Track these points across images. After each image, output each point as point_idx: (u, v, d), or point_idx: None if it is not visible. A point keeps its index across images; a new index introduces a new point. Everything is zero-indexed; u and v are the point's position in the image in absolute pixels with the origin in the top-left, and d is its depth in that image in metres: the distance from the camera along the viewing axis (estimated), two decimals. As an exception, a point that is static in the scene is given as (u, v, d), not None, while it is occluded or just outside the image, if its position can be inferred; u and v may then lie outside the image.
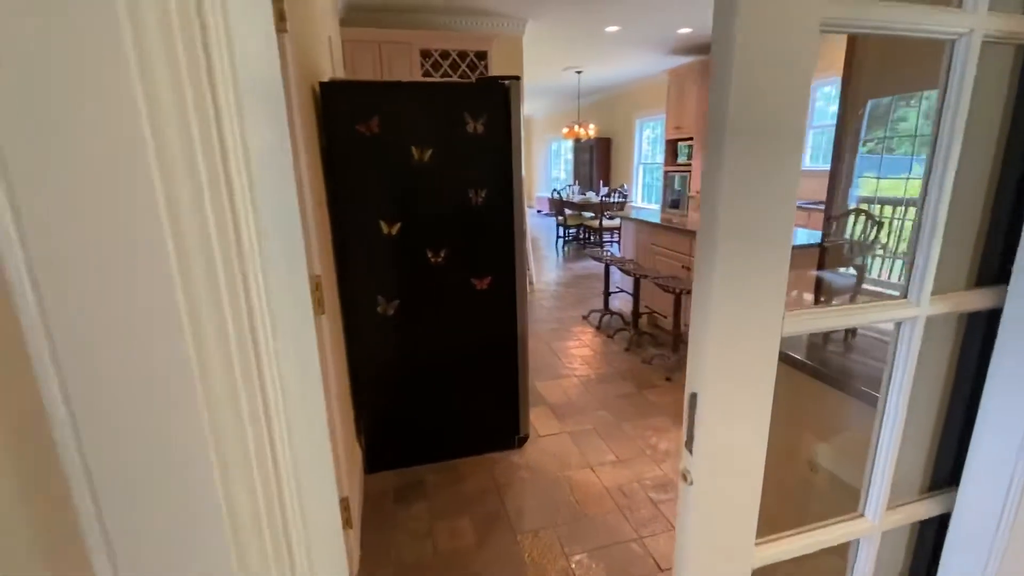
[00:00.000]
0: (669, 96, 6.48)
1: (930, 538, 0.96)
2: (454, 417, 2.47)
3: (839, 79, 1.78)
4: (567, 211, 8.58)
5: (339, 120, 2.02)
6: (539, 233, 9.97)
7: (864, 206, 3.85)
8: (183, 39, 0.33)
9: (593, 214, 8.15)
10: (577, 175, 10.84)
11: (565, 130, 8.50)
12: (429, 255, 2.24)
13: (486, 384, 2.48)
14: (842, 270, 3.19)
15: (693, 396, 0.66)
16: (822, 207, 2.41)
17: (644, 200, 9.04)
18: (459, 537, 2.03)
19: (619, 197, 7.92)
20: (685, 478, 0.69)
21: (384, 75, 4.25)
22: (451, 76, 4.53)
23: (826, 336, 1.48)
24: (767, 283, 0.63)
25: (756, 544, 0.76)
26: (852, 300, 3.06)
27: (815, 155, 5.31)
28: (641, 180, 9.10)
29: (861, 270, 3.44)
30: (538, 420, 2.90)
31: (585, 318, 4.74)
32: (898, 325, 0.75)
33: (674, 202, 6.67)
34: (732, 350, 0.64)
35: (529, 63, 5.56)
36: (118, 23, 0.31)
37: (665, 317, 4.08)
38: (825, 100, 5.18)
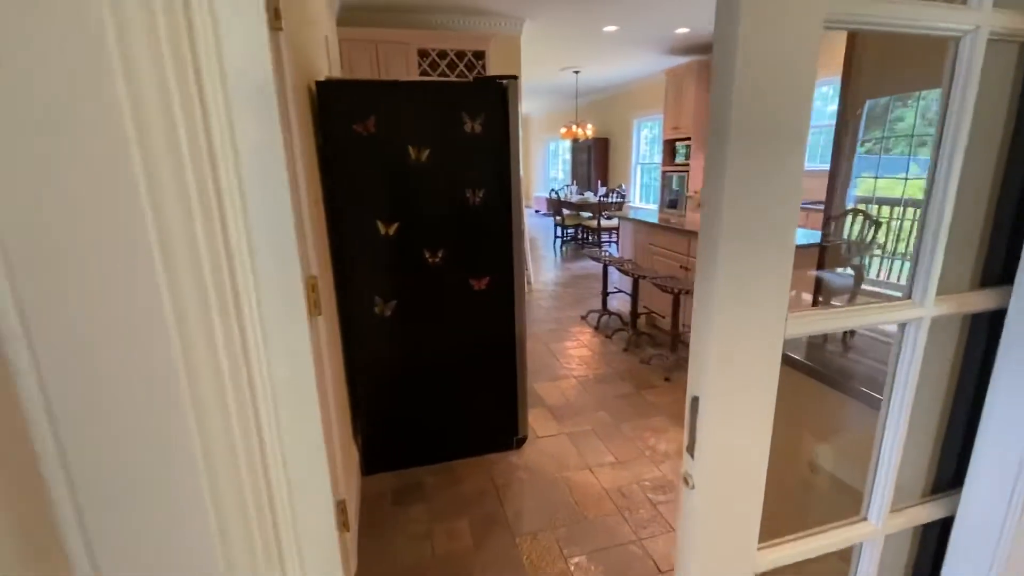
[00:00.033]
0: (667, 96, 6.48)
1: (932, 541, 0.95)
2: (452, 418, 2.46)
3: (837, 79, 1.77)
4: (565, 211, 8.57)
5: (336, 120, 2.00)
6: (537, 233, 9.96)
7: (862, 206, 3.85)
8: (168, 39, 0.32)
9: (591, 214, 8.15)
10: (575, 175, 10.84)
11: (563, 130, 8.49)
12: (427, 255, 2.23)
13: (484, 385, 2.47)
14: (840, 270, 3.18)
15: (695, 400, 0.65)
16: (820, 207, 2.41)
17: (642, 200, 9.04)
18: (457, 539, 2.02)
19: (617, 197, 7.91)
20: (687, 482, 0.68)
21: (381, 75, 4.24)
22: (448, 76, 4.52)
23: (825, 336, 1.47)
24: (770, 284, 0.61)
25: (758, 549, 0.75)
26: (851, 300, 3.07)
27: (812, 155, 5.31)
28: (639, 180, 9.10)
29: (859, 270, 3.45)
30: (536, 421, 2.89)
31: (583, 318, 4.73)
32: (902, 326, 0.74)
33: (672, 202, 6.67)
34: (734, 353, 0.63)
35: (527, 63, 5.55)
36: (102, 24, 0.29)
37: (663, 317, 4.07)
38: (823, 100, 5.19)
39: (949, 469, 0.91)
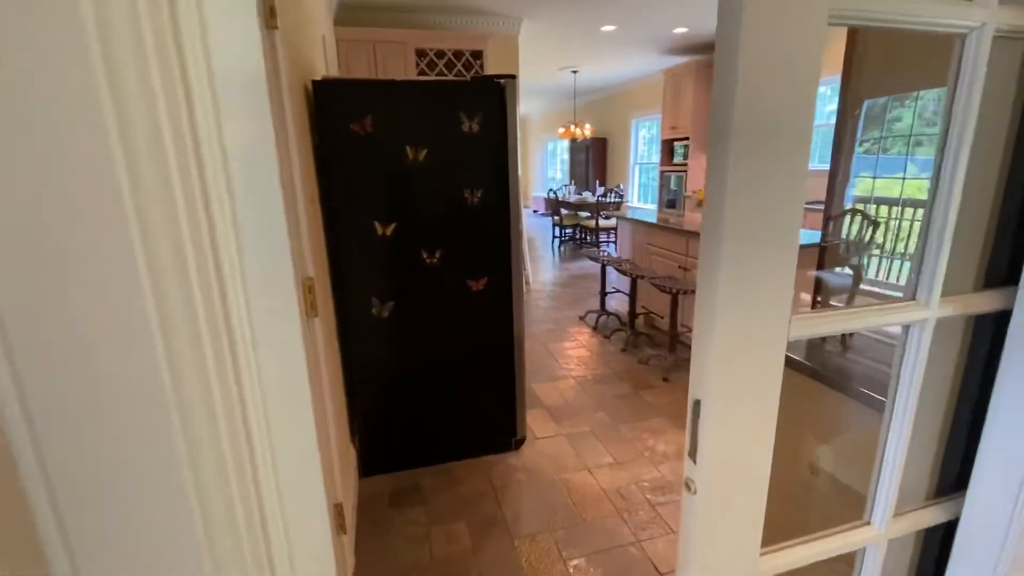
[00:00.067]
0: (665, 96, 6.48)
1: (935, 545, 0.94)
2: (450, 419, 2.44)
3: (836, 78, 1.77)
4: (563, 211, 8.56)
5: (332, 119, 1.99)
6: (535, 233, 9.95)
7: (860, 206, 3.85)
8: (153, 36, 0.31)
9: (589, 214, 8.14)
10: (573, 175, 10.83)
11: (561, 130, 8.49)
12: (424, 256, 2.21)
13: (482, 386, 2.45)
14: (838, 270, 3.18)
15: (697, 403, 0.63)
16: (819, 207, 2.41)
17: (640, 200, 9.03)
18: (456, 542, 2.00)
19: (615, 197, 7.91)
20: (689, 487, 0.67)
21: (379, 74, 4.22)
22: (446, 76, 4.50)
23: (824, 336, 1.47)
24: (773, 286, 0.60)
25: (761, 554, 0.74)
26: (850, 301, 3.06)
27: (811, 155, 5.31)
28: (637, 180, 9.09)
29: (857, 270, 3.44)
30: (535, 422, 2.88)
31: (582, 319, 4.72)
32: (906, 328, 0.73)
33: (670, 202, 6.67)
34: (737, 355, 0.62)
35: (525, 63, 5.54)
36: (82, 20, 0.28)
37: (662, 317, 4.06)
38: (821, 100, 5.20)
39: (952, 472, 0.90)
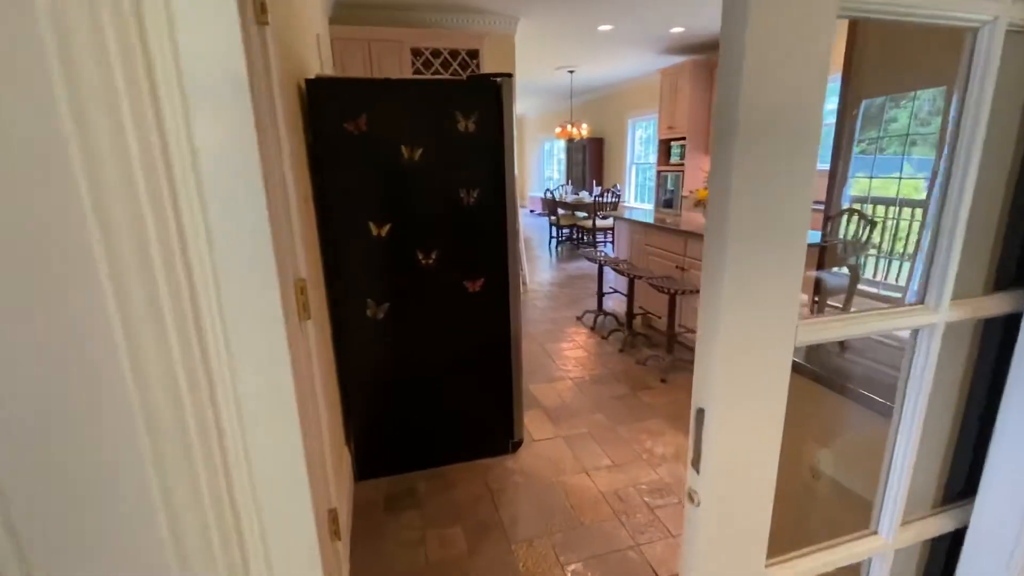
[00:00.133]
0: (662, 96, 6.46)
1: (942, 553, 0.92)
2: (446, 422, 2.42)
3: (836, 76, 1.75)
4: (560, 211, 8.54)
5: (326, 118, 1.96)
6: (532, 233, 9.93)
7: (857, 206, 3.85)
8: (114, 29, 0.28)
9: (586, 214, 8.12)
10: (570, 175, 10.81)
11: (558, 130, 8.46)
12: (420, 257, 2.18)
13: (479, 388, 2.43)
14: (836, 270, 3.17)
15: (700, 412, 0.61)
16: (818, 207, 2.39)
17: (637, 200, 9.02)
18: (452, 546, 1.98)
19: (612, 197, 7.89)
20: (692, 498, 0.64)
21: (374, 73, 4.19)
22: (442, 75, 4.47)
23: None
24: (780, 291, 0.58)
25: (766, 565, 0.72)
26: (847, 301, 3.06)
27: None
28: (634, 180, 9.08)
29: (855, 270, 3.44)
30: (532, 424, 2.85)
31: (579, 319, 4.70)
32: (915, 332, 0.71)
33: (667, 202, 6.65)
34: (742, 362, 0.59)
35: (521, 62, 5.51)
36: (33, 9, 0.26)
37: (659, 318, 4.04)
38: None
39: (960, 479, 0.88)
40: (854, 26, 1.74)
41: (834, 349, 1.49)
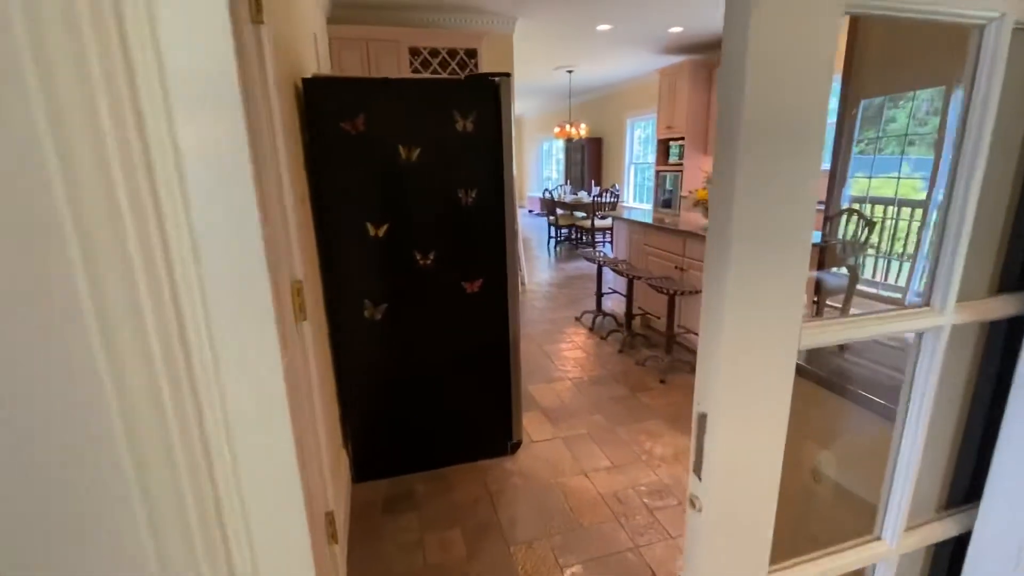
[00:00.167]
0: (660, 96, 6.45)
1: (945, 558, 0.91)
2: (445, 423, 2.40)
3: (835, 77, 1.74)
4: (559, 211, 8.53)
5: (323, 118, 1.94)
6: (531, 233, 9.92)
7: (856, 206, 3.85)
8: (92, 25, 0.27)
9: (585, 214, 8.11)
10: (569, 175, 10.80)
11: (556, 130, 8.45)
12: (418, 257, 2.17)
13: (478, 389, 2.41)
14: (835, 270, 3.17)
15: (702, 417, 0.60)
16: (819, 207, 2.38)
17: (636, 200, 9.01)
18: (450, 549, 1.96)
19: (611, 197, 7.88)
20: (693, 504, 0.63)
21: (372, 73, 4.17)
22: (440, 74, 4.46)
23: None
24: (784, 293, 0.57)
25: (769, 572, 0.71)
26: (846, 302, 3.05)
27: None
28: (633, 180, 9.07)
29: (854, 270, 3.43)
30: (531, 425, 2.84)
31: (578, 319, 4.69)
32: (919, 335, 0.70)
33: (666, 202, 6.65)
34: (745, 366, 0.58)
35: (520, 62, 5.50)
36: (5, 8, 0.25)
37: (658, 318, 4.03)
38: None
39: (964, 482, 0.86)
40: (854, 26, 1.73)
41: (833, 349, 1.48)
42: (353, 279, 2.12)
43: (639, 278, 3.66)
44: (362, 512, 2.17)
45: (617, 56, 6.39)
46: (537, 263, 7.43)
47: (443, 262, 2.20)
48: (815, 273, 2.20)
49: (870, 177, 3.73)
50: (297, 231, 1.52)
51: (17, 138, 0.26)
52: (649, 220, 4.29)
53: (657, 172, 6.80)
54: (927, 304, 0.69)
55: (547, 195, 8.66)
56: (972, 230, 0.67)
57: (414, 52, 4.34)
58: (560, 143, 11.29)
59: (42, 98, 0.26)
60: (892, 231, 3.56)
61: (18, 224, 0.26)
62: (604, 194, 7.93)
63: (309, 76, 1.98)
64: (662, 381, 3.34)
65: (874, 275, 3.68)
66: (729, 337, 0.57)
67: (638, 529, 2.05)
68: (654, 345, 3.95)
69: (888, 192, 3.58)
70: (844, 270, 3.15)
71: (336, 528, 1.71)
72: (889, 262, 3.52)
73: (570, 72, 7.35)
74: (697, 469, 0.62)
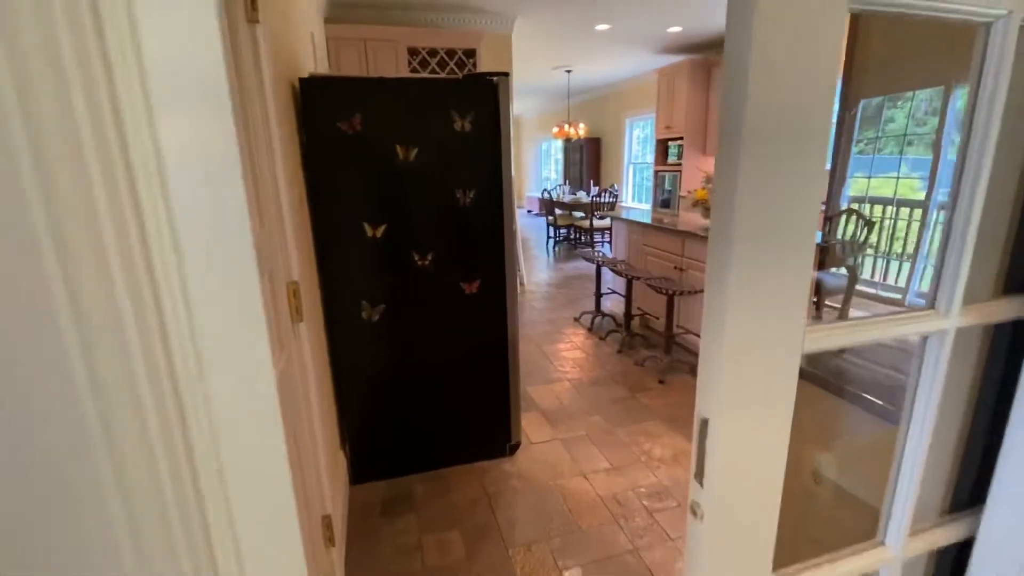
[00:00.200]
0: (659, 95, 6.45)
1: (948, 563, 0.90)
2: (443, 425, 2.39)
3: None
4: (557, 211, 8.52)
5: (320, 118, 1.93)
6: (529, 233, 9.91)
7: (855, 206, 3.84)
8: (67, 27, 0.26)
9: (584, 214, 8.10)
10: (567, 175, 10.79)
11: (555, 130, 8.44)
12: (415, 258, 2.16)
13: (476, 390, 2.40)
14: (834, 270, 3.15)
15: (704, 422, 0.59)
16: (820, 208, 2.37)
17: (634, 200, 9.01)
18: (449, 552, 1.95)
19: (609, 197, 7.87)
20: (695, 512, 0.62)
21: (370, 73, 4.16)
22: (439, 74, 4.44)
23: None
24: (787, 297, 0.56)
25: (771, 579, 0.70)
26: (846, 302, 3.04)
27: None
28: (631, 180, 9.07)
29: (853, 271, 3.42)
30: (530, 426, 2.83)
31: (577, 320, 4.68)
32: (924, 338, 0.69)
33: (664, 202, 6.64)
34: (748, 371, 0.57)
35: (518, 62, 5.49)
36: None
37: (657, 319, 4.02)
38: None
39: (967, 486, 0.85)
40: (854, 26, 1.72)
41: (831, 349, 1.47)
42: (351, 280, 2.10)
43: (638, 278, 3.65)
44: (360, 514, 2.15)
45: (616, 56, 6.38)
46: (536, 263, 7.42)
47: (441, 263, 2.19)
48: (815, 273, 2.19)
49: (869, 177, 3.73)
50: (294, 232, 1.50)
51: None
52: (648, 220, 4.28)
53: (656, 172, 6.79)
54: (932, 307, 0.68)
55: (546, 195, 8.65)
56: (978, 231, 0.66)
57: (412, 52, 4.32)
58: (559, 143, 11.28)
59: (14, 95, 0.25)
60: (891, 231, 3.56)
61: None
62: (603, 194, 7.92)
63: (306, 76, 1.97)
64: (661, 382, 3.33)
65: (873, 275, 3.68)
66: (731, 341, 0.56)
67: (637, 531, 2.04)
68: (653, 345, 3.94)
69: (887, 192, 3.57)
70: (843, 270, 3.14)
71: (333, 531, 1.69)
72: (888, 262, 3.51)
73: (569, 72, 7.34)
74: (699, 476, 0.61)
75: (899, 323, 0.67)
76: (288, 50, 1.88)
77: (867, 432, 1.53)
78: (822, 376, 1.31)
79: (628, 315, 4.03)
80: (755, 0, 0.48)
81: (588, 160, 9.85)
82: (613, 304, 4.70)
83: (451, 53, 4.44)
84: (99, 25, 0.28)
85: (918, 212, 3.36)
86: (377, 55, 4.18)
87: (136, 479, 0.31)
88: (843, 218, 3.58)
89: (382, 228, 2.08)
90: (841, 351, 1.48)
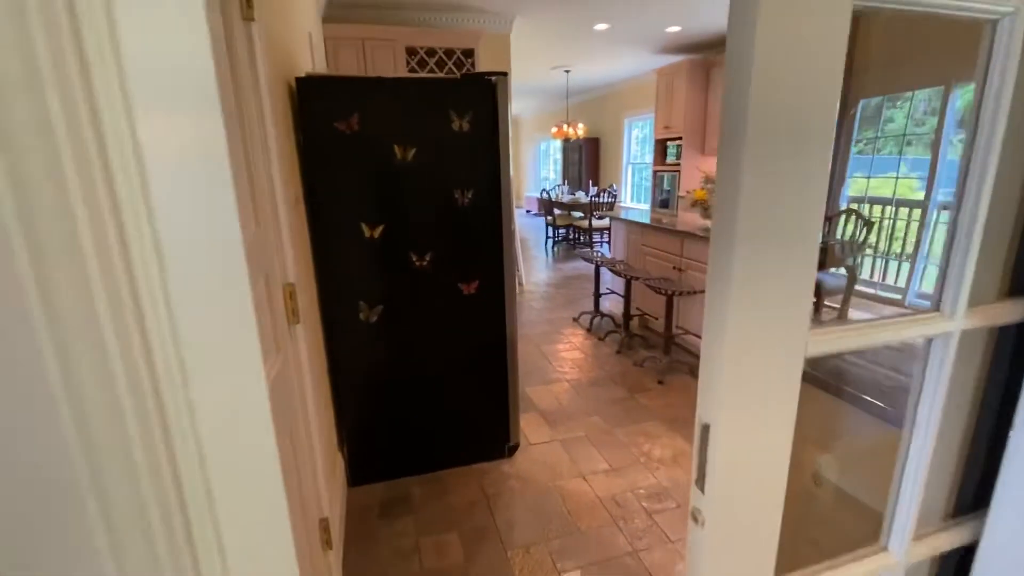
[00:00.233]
0: (658, 95, 6.43)
1: (951, 568, 0.89)
2: (442, 426, 2.38)
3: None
4: (556, 211, 8.51)
5: (317, 117, 1.92)
6: (528, 233, 9.89)
7: (854, 206, 3.84)
8: (42, 25, 0.25)
9: (582, 214, 8.09)
10: (566, 175, 10.78)
11: (554, 130, 8.43)
12: (413, 258, 2.14)
13: (475, 391, 2.39)
14: (833, 270, 3.15)
15: (705, 428, 0.57)
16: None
17: (633, 200, 9.00)
18: (447, 554, 1.94)
19: (608, 197, 7.86)
20: (696, 519, 0.61)
21: (368, 73, 4.14)
22: (437, 74, 4.43)
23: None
24: (790, 300, 0.54)
25: (773, 586, 0.68)
26: (844, 302, 3.03)
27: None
28: (630, 180, 9.06)
29: (852, 271, 3.42)
30: (528, 427, 2.82)
31: (575, 320, 4.67)
32: (928, 340, 0.68)
33: (663, 202, 6.63)
34: (750, 376, 0.56)
35: (517, 62, 5.48)
36: None
37: (656, 319, 4.02)
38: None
39: (971, 489, 0.84)
40: (853, 25, 1.71)
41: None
42: (348, 281, 2.09)
43: (637, 278, 3.64)
44: (358, 516, 2.14)
45: (614, 56, 6.37)
46: (535, 263, 7.41)
47: (439, 263, 2.18)
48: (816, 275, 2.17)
49: (868, 177, 3.72)
50: (290, 232, 1.49)
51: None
52: (647, 220, 4.27)
53: (655, 172, 6.78)
54: (937, 309, 0.67)
55: (544, 195, 8.64)
56: (983, 233, 0.65)
57: (411, 52, 4.30)
58: (557, 143, 11.27)
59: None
60: (890, 231, 3.56)
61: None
62: (602, 194, 7.91)
63: (303, 75, 1.95)
64: (660, 382, 3.32)
65: (872, 275, 3.67)
66: (733, 345, 0.55)
67: (636, 533, 2.03)
68: (652, 346, 3.93)
69: (886, 192, 3.57)
70: (842, 270, 3.14)
71: (331, 534, 1.68)
72: (887, 262, 3.51)
73: (567, 72, 7.33)
74: (700, 482, 0.60)
75: (904, 326, 0.65)
76: (285, 49, 1.86)
77: (867, 433, 1.52)
78: (820, 376, 1.30)
79: (627, 315, 4.02)
80: (757, 2, 0.46)
81: (587, 160, 9.84)
82: (612, 304, 4.69)
83: (449, 53, 4.42)
84: (75, 25, 0.27)
85: (917, 212, 3.36)
86: (375, 55, 4.16)
87: (116, 491, 0.30)
88: (842, 218, 3.58)
89: (380, 228, 2.07)
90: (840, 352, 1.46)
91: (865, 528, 0.93)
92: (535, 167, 13.58)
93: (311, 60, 2.83)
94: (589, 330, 4.38)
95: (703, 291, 3.37)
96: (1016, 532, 0.77)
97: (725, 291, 0.54)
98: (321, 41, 3.81)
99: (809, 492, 1.37)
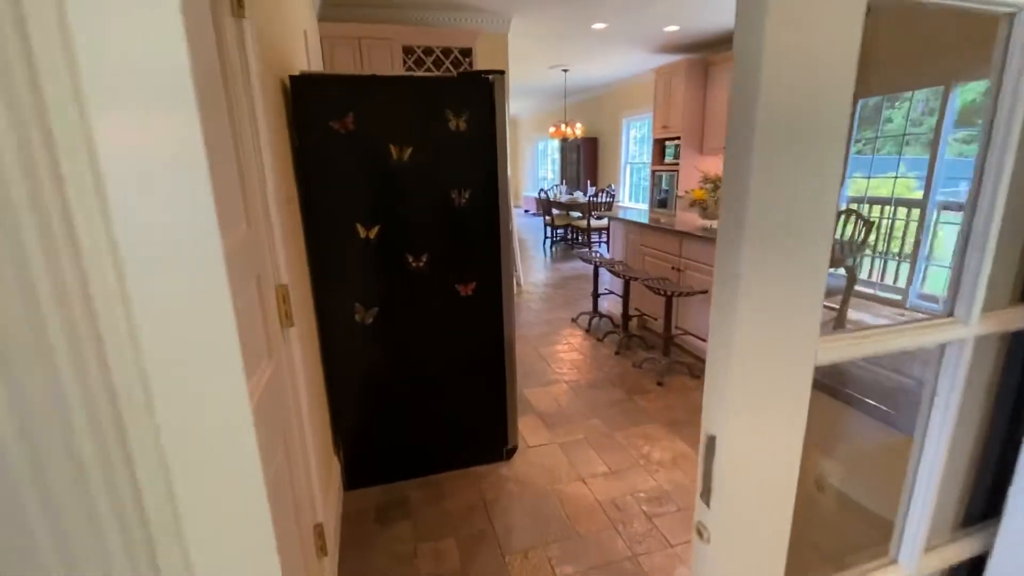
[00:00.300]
0: (656, 95, 6.42)
1: (962, 577, 0.86)
2: (439, 429, 2.35)
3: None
4: (554, 211, 8.48)
5: (311, 116, 1.89)
6: (526, 234, 9.87)
7: (854, 206, 3.82)
8: None
9: (581, 214, 8.07)
10: (564, 175, 10.76)
11: (552, 129, 8.40)
12: (410, 260, 2.11)
13: (472, 393, 2.36)
14: (832, 271, 3.13)
15: (711, 439, 0.55)
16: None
17: (632, 200, 8.98)
18: (444, 560, 1.91)
19: (607, 197, 7.84)
20: (701, 534, 0.58)
21: (365, 72, 4.11)
22: (434, 73, 4.40)
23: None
24: (800, 306, 0.52)
25: (780, 601, 0.66)
26: (844, 303, 3.01)
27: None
28: (628, 179, 9.04)
29: (852, 271, 3.40)
30: (527, 430, 2.79)
31: (574, 320, 4.64)
32: (941, 347, 0.65)
33: (662, 202, 6.61)
34: (758, 385, 0.53)
35: (515, 61, 5.45)
36: None
37: (655, 319, 3.99)
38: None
39: (982, 497, 0.82)
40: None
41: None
42: (343, 282, 2.06)
43: (636, 279, 3.61)
44: (354, 521, 2.11)
45: (612, 55, 6.35)
46: (533, 264, 7.38)
47: (436, 264, 2.15)
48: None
49: (868, 177, 3.71)
50: (283, 233, 1.46)
51: None
52: (645, 220, 4.25)
53: (653, 172, 6.77)
54: (950, 314, 0.64)
55: (543, 195, 8.61)
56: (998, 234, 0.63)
57: (408, 51, 4.28)
58: (555, 143, 11.25)
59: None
60: (889, 231, 3.54)
61: None
62: (600, 194, 7.89)
63: (297, 73, 1.92)
64: (659, 384, 3.30)
65: (871, 275, 3.66)
66: (741, 352, 0.52)
67: (636, 537, 2.01)
68: (651, 347, 3.91)
69: (885, 192, 3.56)
70: (842, 271, 3.12)
71: (326, 540, 1.65)
72: (886, 262, 3.49)
73: (565, 71, 7.31)
74: (705, 496, 0.57)
75: (916, 332, 0.63)
76: (278, 47, 1.83)
77: (867, 436, 1.50)
78: (818, 378, 1.28)
79: (626, 316, 4.00)
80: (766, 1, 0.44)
81: (585, 160, 9.82)
82: (611, 305, 4.67)
83: (447, 52, 4.39)
84: (20, 13, 0.24)
85: (916, 212, 3.34)
86: (372, 54, 4.13)
87: (70, 517, 0.27)
88: (842, 218, 3.56)
89: (375, 229, 2.04)
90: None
91: (868, 533, 0.90)
92: (533, 167, 13.56)
93: (306, 59, 2.80)
94: (588, 331, 4.36)
95: (702, 291, 3.35)
96: (1029, 543, 0.74)
97: (732, 296, 0.52)
98: (317, 40, 3.78)
99: (811, 497, 1.35)
